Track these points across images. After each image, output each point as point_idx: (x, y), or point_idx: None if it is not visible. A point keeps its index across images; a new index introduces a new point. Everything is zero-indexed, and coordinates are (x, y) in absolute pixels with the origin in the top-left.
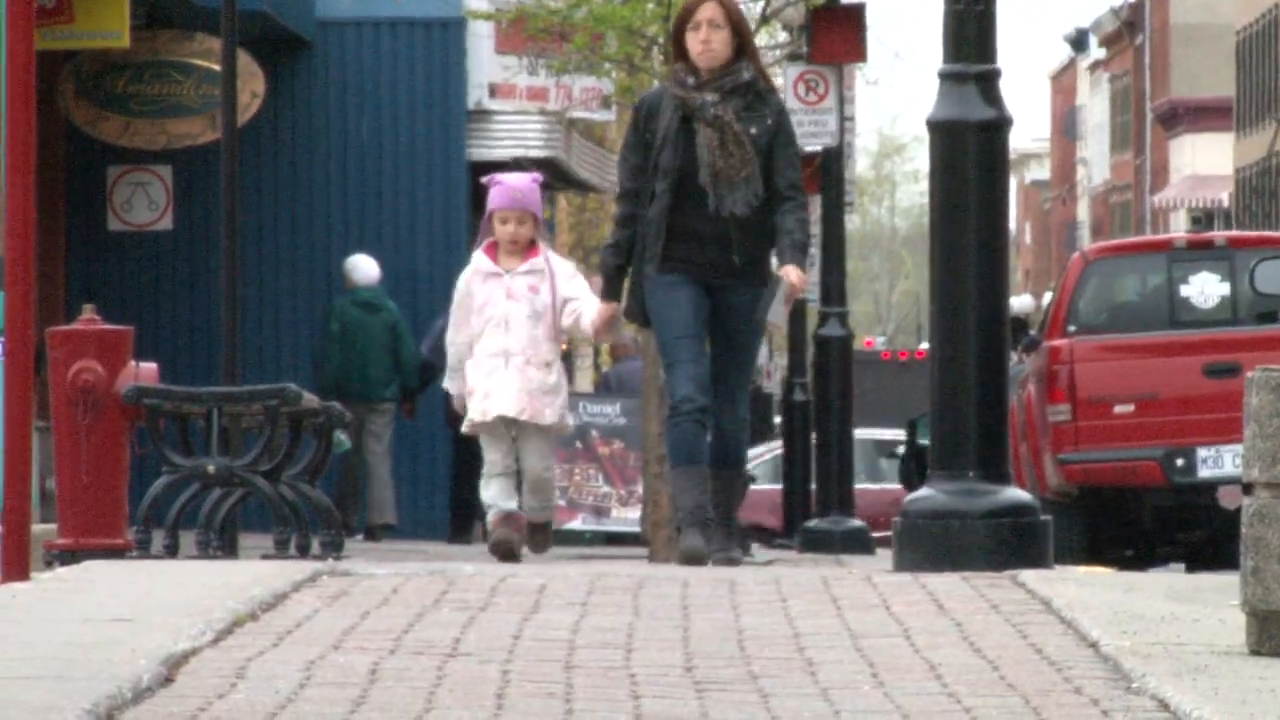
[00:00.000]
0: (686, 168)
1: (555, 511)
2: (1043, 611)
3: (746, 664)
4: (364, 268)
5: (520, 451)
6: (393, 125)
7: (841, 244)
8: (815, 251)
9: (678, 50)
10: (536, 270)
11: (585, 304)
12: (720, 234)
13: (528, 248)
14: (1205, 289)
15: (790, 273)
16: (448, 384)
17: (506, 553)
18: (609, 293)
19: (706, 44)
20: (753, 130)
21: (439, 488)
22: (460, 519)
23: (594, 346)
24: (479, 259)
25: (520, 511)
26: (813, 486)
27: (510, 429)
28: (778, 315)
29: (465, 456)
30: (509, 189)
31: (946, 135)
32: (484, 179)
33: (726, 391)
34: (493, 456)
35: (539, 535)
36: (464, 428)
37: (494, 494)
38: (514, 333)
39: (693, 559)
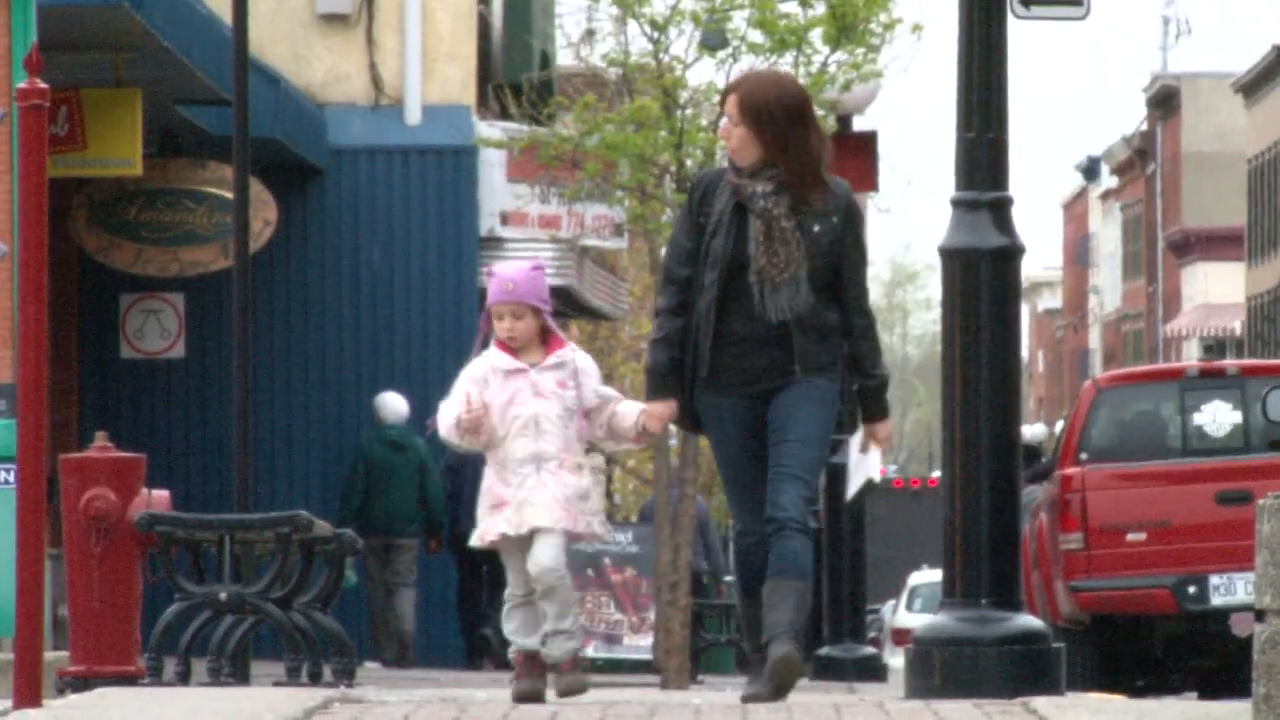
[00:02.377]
0: (736, 259)
1: (580, 640)
2: None
3: None
4: (392, 405)
5: (530, 551)
6: (405, 253)
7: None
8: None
9: None
10: (564, 364)
11: (623, 404)
12: (769, 336)
13: (549, 340)
14: (1217, 417)
15: (879, 435)
16: (445, 419)
17: (535, 701)
18: (666, 388)
19: (726, 139)
20: (815, 228)
21: (450, 614)
22: (473, 643)
23: (606, 474)
24: (495, 355)
25: (542, 651)
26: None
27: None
28: (872, 468)
29: (471, 579)
30: (501, 280)
31: (959, 263)
32: (486, 270)
33: (782, 493)
34: (515, 581)
35: (567, 678)
36: (478, 540)
37: (517, 627)
38: (547, 435)
39: (757, 700)
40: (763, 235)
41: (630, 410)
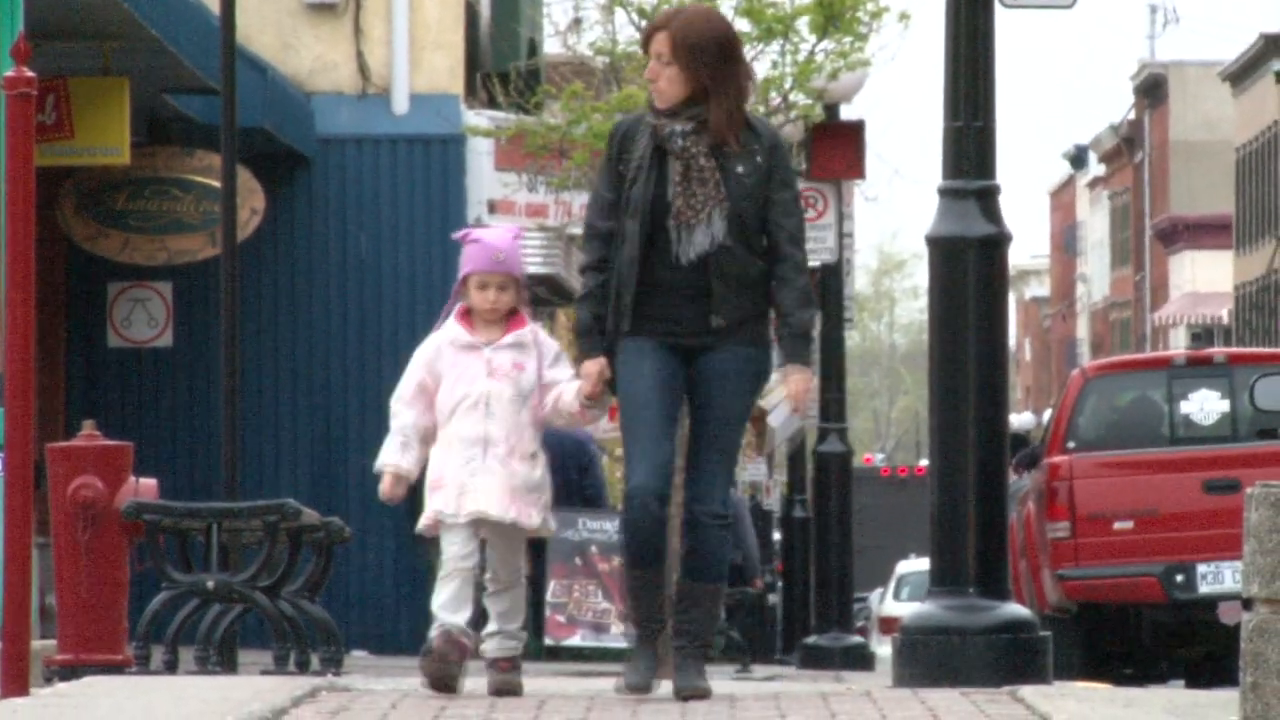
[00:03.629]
0: (659, 206)
1: (522, 645)
2: None
3: None
4: None
5: (491, 555)
6: (392, 241)
7: (841, 360)
8: (814, 368)
9: None
10: (522, 344)
11: (566, 384)
12: (693, 286)
13: (509, 317)
14: (1205, 405)
15: (792, 381)
16: (384, 457)
17: (444, 686)
18: (593, 346)
19: (653, 80)
20: (739, 169)
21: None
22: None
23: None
24: (453, 328)
25: (467, 635)
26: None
27: (480, 530)
28: (784, 423)
29: (532, 567)
30: (489, 248)
31: (946, 251)
32: (456, 234)
33: (702, 480)
34: (453, 551)
35: (504, 676)
36: (423, 525)
37: (445, 600)
38: (496, 417)
39: (635, 690)
40: (680, 176)
41: (574, 386)
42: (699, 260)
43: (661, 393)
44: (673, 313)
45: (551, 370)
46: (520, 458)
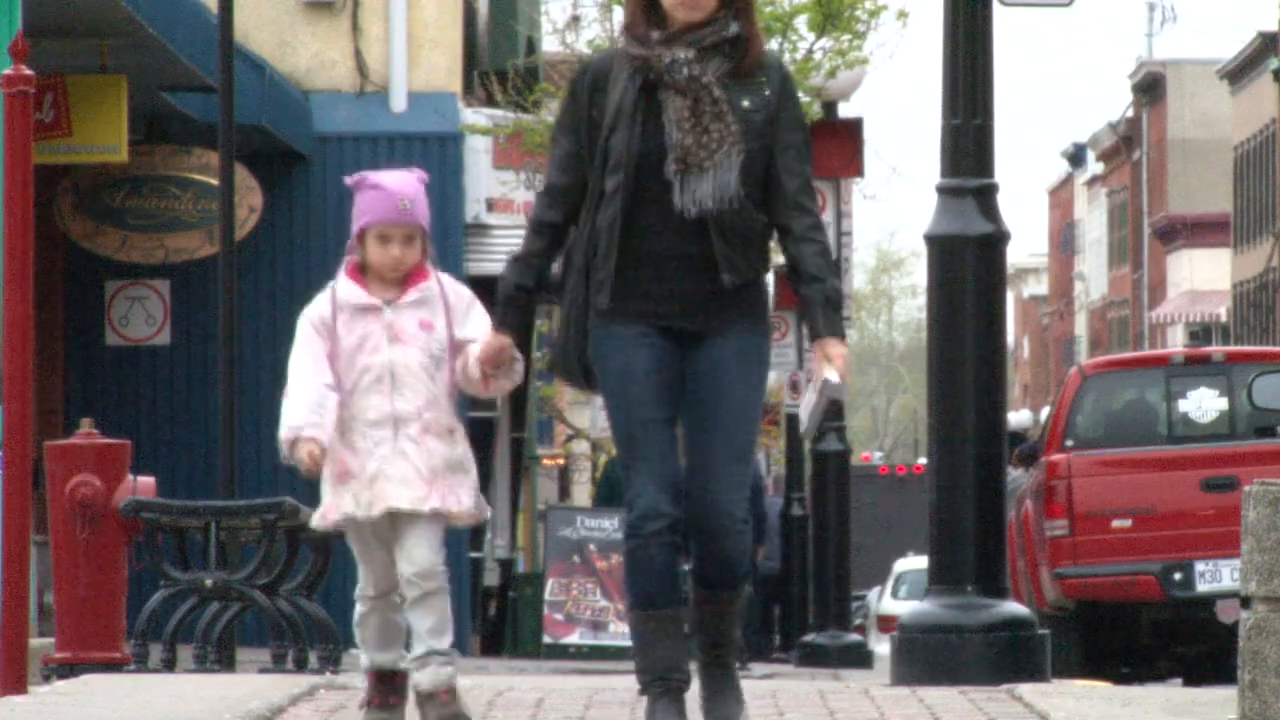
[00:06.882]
0: (649, 156)
1: (456, 664)
2: None
3: None
4: None
5: (401, 545)
6: None
7: None
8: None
9: (637, 2)
10: (427, 299)
11: (475, 346)
12: (693, 249)
13: (410, 273)
14: (1203, 404)
15: (833, 355)
16: (296, 417)
17: None
18: (506, 320)
19: None
20: (745, 103)
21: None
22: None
23: (592, 460)
24: (344, 286)
25: (404, 669)
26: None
27: (393, 527)
28: (813, 412)
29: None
30: (391, 195)
31: (944, 249)
32: (349, 179)
33: (715, 482)
34: (368, 572)
35: (446, 709)
36: (317, 520)
37: (370, 637)
38: (406, 390)
39: None
40: (689, 111)
41: (478, 348)
42: (699, 218)
43: (663, 393)
44: (664, 288)
45: (463, 328)
46: (437, 434)
